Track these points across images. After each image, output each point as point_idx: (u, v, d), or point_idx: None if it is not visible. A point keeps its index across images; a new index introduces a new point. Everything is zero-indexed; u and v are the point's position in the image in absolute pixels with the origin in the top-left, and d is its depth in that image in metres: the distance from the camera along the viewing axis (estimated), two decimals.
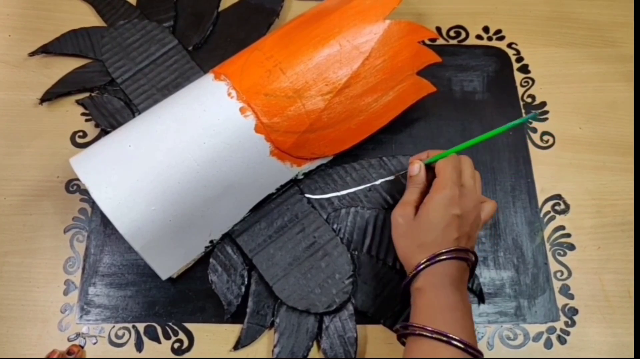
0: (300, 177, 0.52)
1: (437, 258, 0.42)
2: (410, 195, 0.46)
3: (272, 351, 0.47)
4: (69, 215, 0.52)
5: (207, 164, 0.45)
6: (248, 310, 0.48)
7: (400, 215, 0.45)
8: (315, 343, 0.48)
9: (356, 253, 0.50)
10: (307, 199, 0.51)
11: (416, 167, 0.47)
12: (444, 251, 0.42)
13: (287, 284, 0.48)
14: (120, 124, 0.50)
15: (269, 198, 0.50)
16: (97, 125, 0.55)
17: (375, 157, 0.54)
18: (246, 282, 0.49)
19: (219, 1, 0.61)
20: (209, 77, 0.49)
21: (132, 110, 0.55)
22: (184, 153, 0.45)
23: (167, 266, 0.47)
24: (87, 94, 0.56)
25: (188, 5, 0.61)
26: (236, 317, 0.48)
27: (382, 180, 0.52)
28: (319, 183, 0.52)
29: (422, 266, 0.42)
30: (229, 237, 0.50)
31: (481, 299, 0.50)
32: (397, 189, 0.52)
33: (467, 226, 0.44)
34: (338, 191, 0.52)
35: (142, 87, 0.56)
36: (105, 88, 0.56)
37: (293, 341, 0.47)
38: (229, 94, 0.47)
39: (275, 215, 0.51)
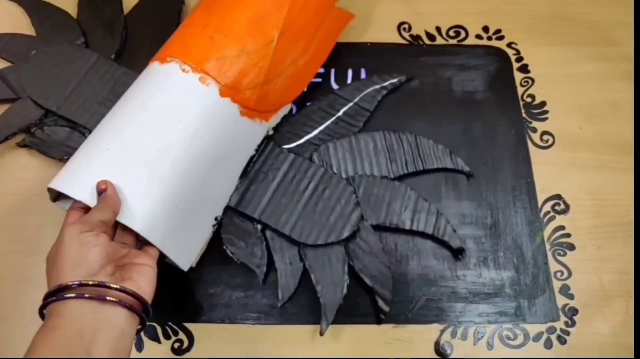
0: (271, 132, 0.53)
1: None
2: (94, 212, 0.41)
3: (316, 289, 0.48)
4: None
5: (190, 140, 0.46)
6: (277, 266, 0.49)
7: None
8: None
9: (349, 177, 0.52)
10: (286, 149, 0.53)
11: (103, 185, 0.42)
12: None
13: (303, 227, 0.50)
14: (74, 149, 0.48)
15: (251, 161, 0.52)
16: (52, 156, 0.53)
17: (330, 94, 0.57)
18: (265, 242, 0.50)
19: (121, 6, 0.60)
20: (154, 65, 0.49)
21: (80, 132, 0.53)
22: (165, 138, 0.45)
23: (186, 256, 0.47)
24: (25, 135, 0.54)
25: (90, 18, 0.59)
26: (268, 279, 0.49)
27: (344, 109, 0.56)
28: (290, 133, 0.55)
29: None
30: (230, 209, 0.50)
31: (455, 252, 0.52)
32: (358, 113, 0.55)
33: None
34: (309, 133, 0.55)
35: (82, 106, 0.54)
36: (42, 122, 0.54)
37: (330, 274, 0.48)
38: (183, 70, 0.48)
39: (264, 173, 0.52)
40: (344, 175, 0.52)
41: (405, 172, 0.53)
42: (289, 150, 0.53)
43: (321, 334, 0.47)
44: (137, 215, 0.43)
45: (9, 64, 0.57)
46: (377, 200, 0.51)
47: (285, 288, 0.49)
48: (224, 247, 0.49)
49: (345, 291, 0.48)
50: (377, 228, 0.51)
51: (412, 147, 0.54)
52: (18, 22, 0.60)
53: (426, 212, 0.51)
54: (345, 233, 0.49)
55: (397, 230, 0.51)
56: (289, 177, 0.52)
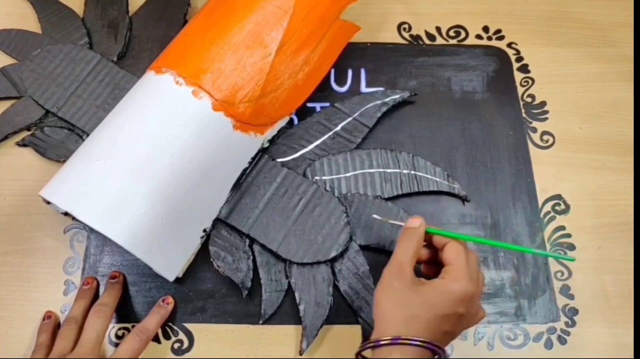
0: (266, 145, 0.53)
1: (419, 342, 0.39)
2: (406, 251, 0.42)
3: (299, 309, 0.48)
4: (68, 215, 0.52)
5: (179, 154, 0.46)
6: (262, 281, 0.49)
7: (397, 278, 0.41)
8: (334, 289, 0.49)
9: (341, 195, 0.52)
10: (280, 163, 0.52)
11: (418, 221, 0.43)
12: (429, 341, 0.39)
13: (290, 244, 0.49)
14: (71, 152, 0.49)
15: (244, 174, 0.51)
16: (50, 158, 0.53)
17: (330, 107, 0.56)
18: (251, 256, 0.49)
19: (127, 6, 0.60)
20: (150, 75, 0.50)
21: (78, 134, 0.53)
22: (155, 150, 0.46)
23: (171, 267, 0.48)
24: (25, 133, 0.54)
25: (96, 18, 0.59)
26: (253, 292, 0.49)
27: (342, 124, 0.55)
28: (285, 146, 0.54)
29: (400, 341, 0.39)
30: (220, 222, 0.50)
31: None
32: (357, 129, 0.54)
33: (459, 326, 0.42)
34: (305, 147, 0.54)
35: (81, 109, 0.54)
36: (42, 122, 0.54)
37: (314, 293, 0.48)
38: (177, 82, 0.48)
39: (256, 186, 0.51)
40: (336, 193, 0.52)
41: (400, 192, 0.52)
42: (283, 163, 0.53)
43: (300, 353, 0.47)
44: (121, 227, 0.44)
45: (14, 61, 0.57)
46: (368, 220, 0.51)
47: (268, 304, 0.48)
48: (211, 260, 0.49)
49: (327, 312, 0.48)
50: (366, 248, 0.50)
51: (408, 167, 0.53)
52: (25, 19, 0.60)
53: None
54: (333, 253, 0.49)
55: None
56: (281, 192, 0.51)
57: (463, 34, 0.61)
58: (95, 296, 0.49)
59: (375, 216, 0.49)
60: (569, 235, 0.53)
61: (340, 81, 0.58)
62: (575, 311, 0.50)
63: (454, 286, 0.40)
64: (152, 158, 0.46)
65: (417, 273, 0.42)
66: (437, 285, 0.41)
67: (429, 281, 0.41)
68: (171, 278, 0.47)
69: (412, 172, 0.53)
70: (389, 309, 0.41)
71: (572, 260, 0.44)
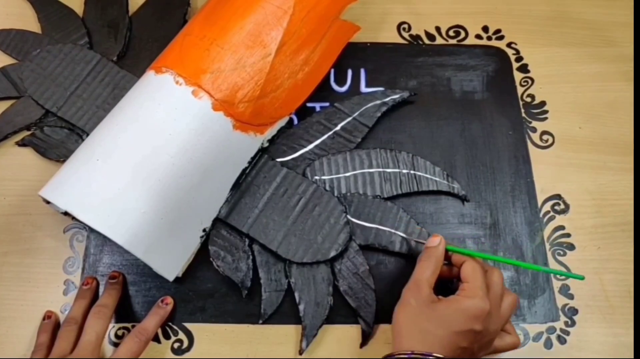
0: (266, 144, 0.53)
1: (433, 358, 0.40)
2: (424, 270, 0.44)
3: (299, 308, 0.48)
4: (68, 215, 0.52)
5: (179, 154, 0.46)
6: (262, 281, 0.49)
7: (414, 296, 0.42)
8: (334, 289, 0.49)
9: (341, 194, 0.52)
10: (280, 163, 0.53)
11: (437, 240, 0.45)
12: (443, 356, 0.40)
13: (290, 244, 0.49)
14: (71, 152, 0.49)
15: (244, 174, 0.51)
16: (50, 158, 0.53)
17: (330, 107, 0.56)
18: (251, 256, 0.49)
19: (127, 6, 0.60)
20: (149, 74, 0.50)
21: (78, 134, 0.53)
22: (155, 150, 0.46)
23: (171, 267, 0.48)
24: (25, 133, 0.54)
25: (96, 18, 0.59)
26: (253, 292, 0.49)
27: (342, 123, 0.55)
28: (285, 146, 0.54)
29: (414, 355, 0.40)
30: (219, 222, 0.50)
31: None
32: (356, 129, 0.54)
33: (477, 343, 0.42)
34: (305, 146, 0.54)
35: (81, 108, 0.54)
36: (42, 122, 0.54)
37: (314, 293, 0.48)
38: (177, 82, 0.48)
39: (256, 186, 0.51)
40: (335, 193, 0.52)
41: (399, 192, 0.52)
42: (283, 163, 0.53)
43: (300, 353, 0.47)
44: (121, 227, 0.44)
45: (14, 61, 0.57)
46: (368, 220, 0.51)
47: (268, 304, 0.48)
48: (211, 260, 0.49)
49: (327, 312, 0.48)
50: (366, 248, 0.50)
51: (407, 167, 0.53)
52: (25, 19, 0.60)
53: (417, 236, 0.50)
54: (332, 253, 0.49)
55: (387, 252, 0.51)
56: (280, 191, 0.51)
57: (463, 34, 0.61)
58: (95, 296, 0.49)
59: (401, 234, 0.50)
60: (568, 235, 0.53)
61: (340, 81, 0.58)
62: (575, 311, 0.50)
63: (467, 303, 0.41)
64: (152, 158, 0.46)
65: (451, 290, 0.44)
66: (452, 302, 0.42)
67: (446, 298, 0.42)
68: (171, 278, 0.47)
69: (412, 172, 0.53)
70: (404, 325, 0.42)
71: (581, 278, 0.44)
